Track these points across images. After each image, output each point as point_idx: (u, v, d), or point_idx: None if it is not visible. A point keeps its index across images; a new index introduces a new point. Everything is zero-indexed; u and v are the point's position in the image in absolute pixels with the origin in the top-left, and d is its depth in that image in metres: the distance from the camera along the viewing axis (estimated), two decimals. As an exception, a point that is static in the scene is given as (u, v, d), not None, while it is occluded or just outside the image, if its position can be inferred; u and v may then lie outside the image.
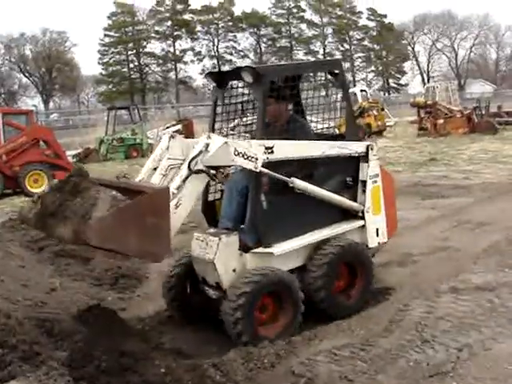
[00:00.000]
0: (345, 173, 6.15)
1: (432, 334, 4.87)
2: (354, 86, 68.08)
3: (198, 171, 4.94)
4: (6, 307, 4.87)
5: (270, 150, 5.30)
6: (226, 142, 5.08)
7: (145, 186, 4.72)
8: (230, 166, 5.58)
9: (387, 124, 31.93)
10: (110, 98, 73.96)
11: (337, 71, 6.12)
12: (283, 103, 5.93)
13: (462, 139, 24.32)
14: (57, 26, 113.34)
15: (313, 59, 60.83)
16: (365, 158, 6.14)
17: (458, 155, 19.13)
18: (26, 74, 77.02)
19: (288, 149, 5.51)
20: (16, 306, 5.25)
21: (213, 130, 6.05)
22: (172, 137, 5.44)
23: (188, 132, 27.39)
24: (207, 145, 5.00)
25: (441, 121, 27.39)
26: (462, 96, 54.72)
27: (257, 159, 5.21)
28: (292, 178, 5.50)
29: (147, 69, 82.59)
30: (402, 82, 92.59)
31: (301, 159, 5.67)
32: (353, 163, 6.15)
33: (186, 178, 4.91)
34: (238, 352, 4.84)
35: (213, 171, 5.07)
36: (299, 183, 5.56)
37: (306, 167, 5.76)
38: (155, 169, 5.26)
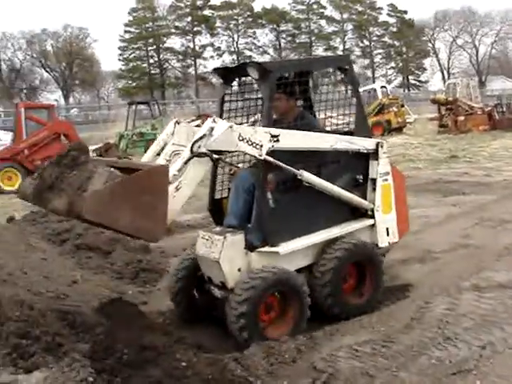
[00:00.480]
0: (354, 170, 6.04)
1: (454, 331, 4.81)
2: (374, 82, 67.72)
3: (201, 155, 4.85)
4: (29, 299, 4.92)
5: (275, 139, 5.20)
6: (230, 127, 4.99)
7: (144, 165, 4.67)
8: (233, 152, 5.46)
9: (407, 121, 31.74)
10: (129, 93, 74.34)
11: (346, 67, 6.03)
12: (291, 99, 5.83)
13: (482, 136, 24.14)
14: (78, 22, 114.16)
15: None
16: (375, 155, 6.01)
17: (479, 152, 18.99)
18: (47, 70, 77.61)
19: (294, 138, 5.39)
20: (39, 297, 5.29)
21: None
22: (177, 122, 5.41)
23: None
24: (212, 128, 4.91)
25: (461, 118, 27.21)
26: (483, 93, 54.27)
27: (261, 146, 5.11)
28: (301, 171, 5.40)
29: (167, 64, 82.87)
30: (422, 78, 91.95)
31: (309, 153, 5.56)
32: (362, 160, 6.03)
33: (188, 160, 4.84)
34: (258, 346, 4.83)
35: (216, 156, 4.99)
36: (308, 176, 5.44)
37: (315, 162, 5.65)
38: (159, 154, 5.18)
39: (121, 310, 5.34)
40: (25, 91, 74.16)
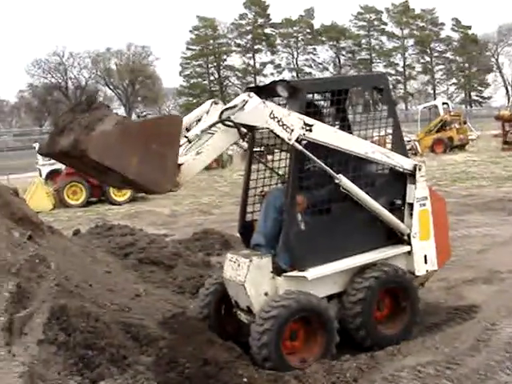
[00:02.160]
0: (391, 193, 5.76)
1: (523, 355, 4.67)
2: (435, 99, 66.70)
3: (229, 124, 4.75)
4: (95, 311, 5.01)
5: (308, 128, 5.01)
6: (264, 102, 4.89)
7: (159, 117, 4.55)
8: (262, 129, 5.23)
9: (470, 137, 31.07)
10: (190, 110, 75.20)
11: (382, 86, 5.80)
12: (325, 119, 5.57)
13: (549, 154, 23.42)
14: (141, 41, 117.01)
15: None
16: (412, 178, 5.73)
17: (546, 170, 18.43)
18: (111, 87, 79.86)
19: (328, 133, 5.20)
20: (103, 309, 5.39)
21: (251, 149, 5.87)
22: (215, 103, 5.38)
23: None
24: (245, 102, 4.82)
25: (527, 134, 26.47)
26: (550, 109, 52.60)
27: (292, 130, 4.94)
28: (339, 175, 5.20)
29: (227, 81, 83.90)
30: (485, 94, 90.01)
31: (344, 162, 5.34)
32: (400, 183, 5.76)
33: (214, 124, 4.77)
34: (320, 365, 4.80)
35: (244, 130, 4.86)
36: (346, 182, 5.23)
37: (350, 176, 5.34)
38: (187, 129, 5.08)
39: (183, 325, 5.38)
40: (89, 108, 76.26)
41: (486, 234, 9.44)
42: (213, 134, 4.84)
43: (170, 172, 4.33)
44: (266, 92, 5.47)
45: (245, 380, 4.40)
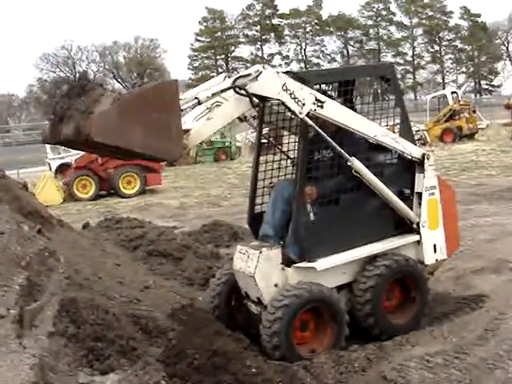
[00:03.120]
0: (399, 182, 5.75)
1: (531, 344, 4.67)
2: (444, 88, 66.32)
3: (241, 92, 4.73)
4: (104, 303, 5.05)
5: (320, 104, 5.01)
6: (278, 73, 4.90)
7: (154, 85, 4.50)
8: (273, 99, 5.13)
9: (479, 127, 30.91)
10: (198, 102, 75.45)
11: (389, 76, 5.78)
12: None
13: (560, 142, 23.28)
14: (148, 34, 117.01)
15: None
16: (420, 167, 5.73)
17: (557, 159, 18.33)
18: (119, 80, 79.89)
19: (339, 111, 5.18)
20: (113, 302, 5.42)
21: (259, 141, 5.94)
22: (228, 76, 5.34)
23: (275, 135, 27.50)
24: (259, 72, 4.82)
25: (537, 123, 26.31)
26: (560, 97, 52.20)
27: (304, 104, 4.93)
28: (352, 157, 5.19)
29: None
30: (495, 83, 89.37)
31: (355, 147, 5.33)
32: (408, 173, 5.76)
33: (226, 89, 4.77)
34: (328, 355, 4.83)
35: (256, 100, 4.86)
36: (358, 165, 5.22)
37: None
38: (197, 98, 4.98)
39: (192, 316, 5.41)
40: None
41: (495, 224, 9.40)
42: (221, 104, 4.91)
43: (177, 137, 4.31)
44: None
45: (253, 371, 4.42)
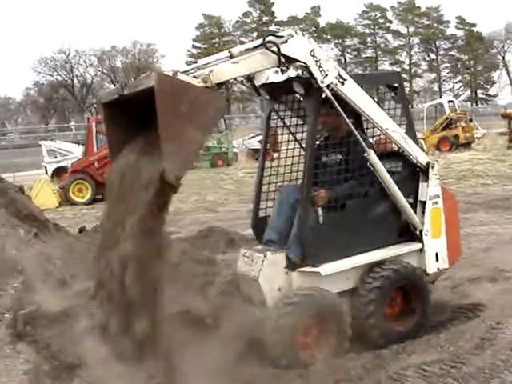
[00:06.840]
0: (403, 190, 5.64)
1: (528, 354, 4.65)
2: (441, 96, 66.59)
3: (274, 50, 4.72)
4: (100, 308, 5.01)
5: (342, 80, 5.06)
6: (309, 38, 4.94)
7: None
8: (301, 62, 5.03)
9: (475, 136, 31.01)
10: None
11: (395, 84, 5.80)
12: (341, 115, 5.37)
13: (556, 152, 23.35)
14: (146, 39, 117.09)
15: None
16: (425, 176, 5.74)
17: (552, 169, 18.38)
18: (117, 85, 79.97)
19: (358, 93, 5.22)
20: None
21: (265, 145, 6.01)
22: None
23: (272, 142, 27.54)
24: (291, 36, 4.85)
25: (533, 133, 26.40)
26: (556, 107, 52.44)
27: (327, 75, 4.96)
28: (370, 149, 5.21)
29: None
30: (491, 92, 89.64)
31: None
32: (412, 182, 5.77)
33: (258, 46, 4.78)
34: (324, 363, 4.81)
35: (283, 59, 4.83)
36: (374, 158, 5.23)
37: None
38: (230, 52, 4.98)
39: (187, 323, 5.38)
40: (95, 106, 76.45)
41: (492, 233, 9.42)
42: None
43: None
44: (283, 89, 5.51)
45: (249, 378, 4.41)
